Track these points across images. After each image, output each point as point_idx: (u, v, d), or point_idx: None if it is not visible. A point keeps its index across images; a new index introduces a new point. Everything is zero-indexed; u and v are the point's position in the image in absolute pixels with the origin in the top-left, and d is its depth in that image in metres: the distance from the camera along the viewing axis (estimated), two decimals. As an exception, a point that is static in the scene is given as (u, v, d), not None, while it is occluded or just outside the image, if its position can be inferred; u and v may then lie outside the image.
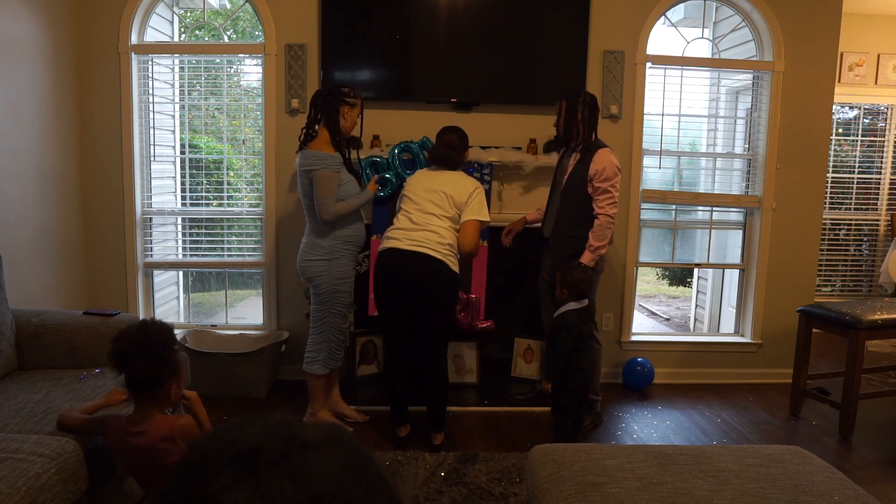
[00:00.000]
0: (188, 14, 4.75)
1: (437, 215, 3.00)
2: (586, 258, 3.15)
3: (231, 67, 4.25)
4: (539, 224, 3.53)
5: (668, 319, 6.35)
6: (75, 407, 2.18)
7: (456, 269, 3.00)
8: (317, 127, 3.10)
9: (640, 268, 4.30)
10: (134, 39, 3.85)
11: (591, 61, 3.88)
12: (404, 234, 2.98)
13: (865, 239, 5.52)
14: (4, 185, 3.16)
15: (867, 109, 5.41)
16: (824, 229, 5.26)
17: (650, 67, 4.01)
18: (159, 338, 1.90)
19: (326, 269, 3.10)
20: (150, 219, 4.05)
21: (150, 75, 3.93)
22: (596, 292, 3.35)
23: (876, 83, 5.24)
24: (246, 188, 4.27)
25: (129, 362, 1.87)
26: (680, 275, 7.60)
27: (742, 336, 4.29)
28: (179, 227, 4.17)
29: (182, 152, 4.14)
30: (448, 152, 3.13)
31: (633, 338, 4.19)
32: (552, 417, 3.08)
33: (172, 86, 4.12)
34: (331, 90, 3.09)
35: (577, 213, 3.22)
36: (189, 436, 1.92)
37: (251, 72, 4.19)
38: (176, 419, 1.95)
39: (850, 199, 5.44)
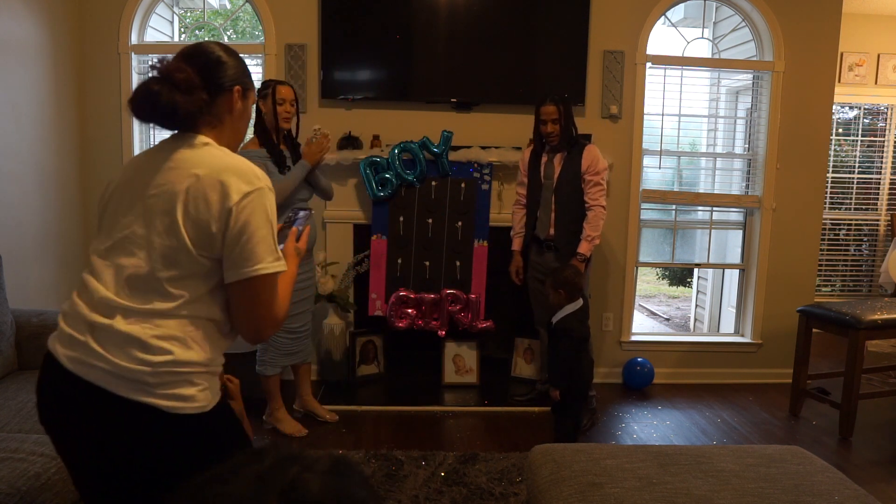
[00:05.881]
0: (188, 14, 4.75)
1: (137, 263, 1.32)
2: (584, 248, 3.27)
3: (231, 67, 4.25)
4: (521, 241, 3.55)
5: (668, 319, 6.35)
6: None
7: (200, 403, 1.32)
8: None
9: (640, 268, 4.30)
10: (134, 39, 3.85)
11: (591, 61, 3.88)
12: (72, 323, 1.37)
13: (865, 239, 5.52)
14: (4, 186, 3.16)
15: (867, 109, 5.41)
16: (824, 229, 5.26)
17: (650, 67, 4.01)
18: None
19: None
20: (150, 219, 4.04)
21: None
22: (588, 286, 3.42)
23: (876, 83, 5.24)
24: (246, 188, 4.26)
25: None
26: (680, 275, 7.60)
27: (742, 336, 4.29)
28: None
29: (182, 152, 4.13)
30: (162, 91, 1.32)
31: (633, 338, 4.19)
32: (553, 417, 3.07)
33: (172, 86, 4.12)
34: None
35: (575, 210, 3.32)
36: (242, 420, 1.99)
37: (251, 72, 4.19)
38: (230, 405, 2.02)
39: (850, 199, 5.44)
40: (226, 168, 1.33)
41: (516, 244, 3.54)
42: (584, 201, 3.30)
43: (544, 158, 3.39)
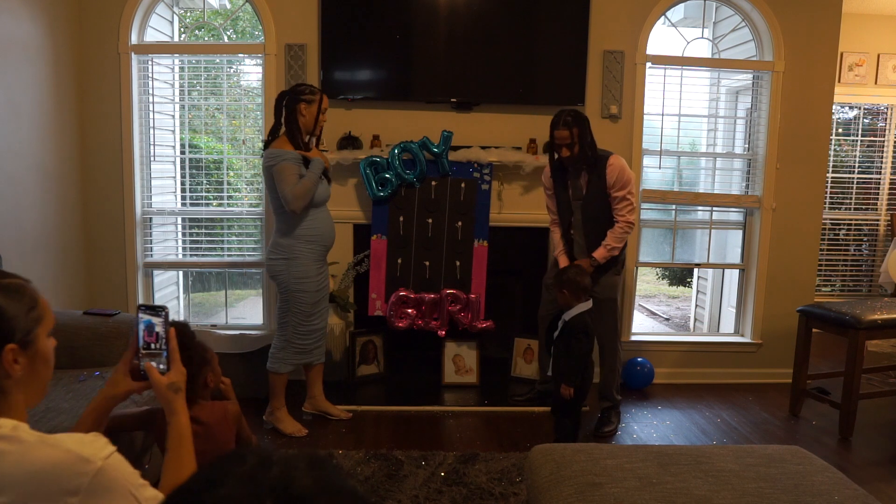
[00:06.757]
0: (188, 14, 4.75)
1: None
2: (599, 253, 3.21)
3: (231, 67, 4.25)
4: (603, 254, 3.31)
5: (667, 319, 6.35)
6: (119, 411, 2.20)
7: None
8: (281, 128, 3.11)
9: (640, 268, 4.30)
10: (134, 39, 3.85)
11: (591, 61, 3.88)
12: None
13: (865, 239, 5.52)
14: (4, 185, 3.16)
15: (867, 109, 5.41)
16: (824, 229, 5.26)
17: (650, 67, 4.00)
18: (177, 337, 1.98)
19: (286, 269, 3.09)
20: (150, 219, 4.05)
21: (150, 75, 3.93)
22: (619, 292, 3.43)
23: (876, 83, 5.24)
24: (246, 188, 4.27)
25: None
26: (680, 275, 7.59)
27: (742, 336, 4.29)
28: (179, 227, 4.17)
29: (182, 152, 4.14)
30: None
31: (633, 338, 4.18)
32: (553, 418, 3.07)
33: (172, 86, 4.12)
34: (290, 89, 3.10)
35: (606, 228, 3.24)
36: (239, 421, 2.01)
37: (251, 72, 4.19)
38: (227, 405, 2.02)
39: (850, 199, 5.44)
40: (33, 478, 0.95)
41: (564, 261, 3.36)
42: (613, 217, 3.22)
43: (570, 180, 3.30)
